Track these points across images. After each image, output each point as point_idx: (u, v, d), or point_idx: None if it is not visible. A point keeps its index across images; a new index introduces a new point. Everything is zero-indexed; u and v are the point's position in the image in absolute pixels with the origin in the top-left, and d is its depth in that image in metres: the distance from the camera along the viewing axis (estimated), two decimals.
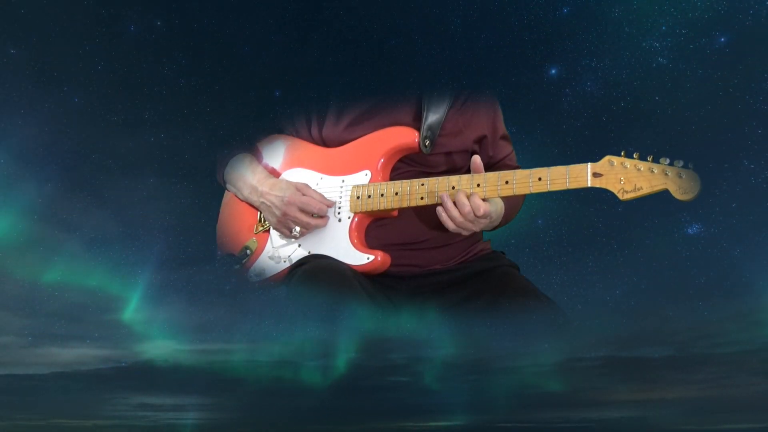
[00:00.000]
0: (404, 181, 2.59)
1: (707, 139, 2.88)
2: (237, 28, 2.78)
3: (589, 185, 2.37)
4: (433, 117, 2.62)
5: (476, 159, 2.52)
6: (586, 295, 3.03)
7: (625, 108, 3.04)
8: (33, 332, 2.75)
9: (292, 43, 2.78)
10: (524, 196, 2.73)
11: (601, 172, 2.36)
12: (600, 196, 2.39)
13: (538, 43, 3.01)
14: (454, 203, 2.49)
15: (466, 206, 2.48)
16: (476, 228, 2.54)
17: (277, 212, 2.67)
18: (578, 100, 3.16)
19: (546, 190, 2.41)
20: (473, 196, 2.48)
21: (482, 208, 2.47)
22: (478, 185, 2.49)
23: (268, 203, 2.69)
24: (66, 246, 2.79)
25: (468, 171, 2.55)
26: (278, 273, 2.72)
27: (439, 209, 2.52)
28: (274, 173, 2.78)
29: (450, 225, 2.52)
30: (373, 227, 2.69)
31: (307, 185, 2.68)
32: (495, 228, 2.69)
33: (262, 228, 2.77)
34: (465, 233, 2.55)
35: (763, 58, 2.78)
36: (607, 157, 2.36)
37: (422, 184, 2.56)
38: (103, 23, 2.76)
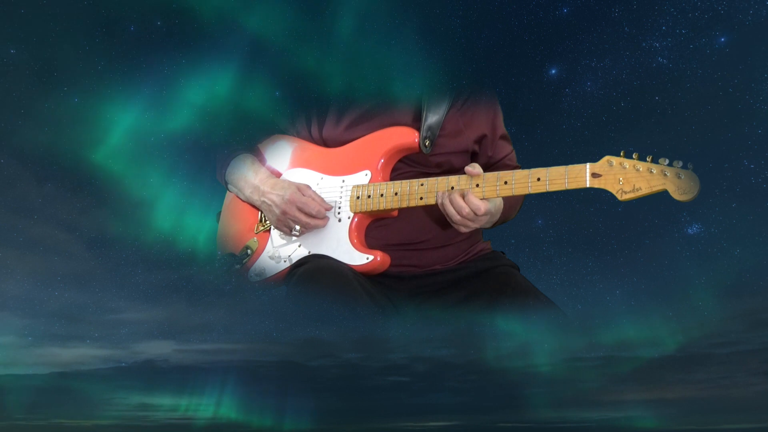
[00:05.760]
0: (404, 181, 2.59)
1: (707, 139, 2.88)
2: (237, 29, 2.78)
3: (588, 186, 2.36)
4: (432, 117, 2.62)
5: (468, 169, 2.51)
6: (586, 295, 3.04)
7: (625, 108, 3.05)
8: (33, 332, 2.76)
9: (292, 44, 2.78)
10: (524, 196, 2.73)
11: (600, 173, 2.35)
12: (600, 196, 2.39)
13: (538, 43, 3.02)
14: (452, 206, 2.49)
15: (465, 209, 2.48)
16: (477, 224, 2.54)
17: (277, 211, 2.67)
18: (578, 100, 3.17)
19: (545, 190, 2.41)
20: (469, 196, 2.47)
21: (482, 207, 2.47)
22: (477, 185, 2.49)
23: (269, 202, 2.69)
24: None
25: None
26: (278, 273, 2.72)
27: (439, 204, 2.53)
28: (276, 173, 2.78)
29: (449, 220, 2.52)
30: (374, 227, 2.69)
31: (308, 186, 2.68)
32: (493, 226, 2.69)
33: (262, 228, 2.77)
34: (465, 230, 2.55)
35: (763, 58, 2.78)
36: (606, 158, 2.35)
37: (422, 184, 2.56)
38: (103, 23, 2.77)
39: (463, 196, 2.48)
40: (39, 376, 2.75)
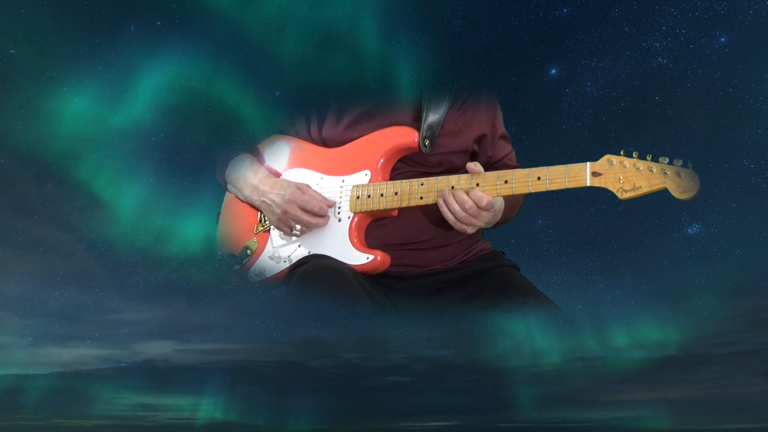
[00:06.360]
0: (404, 181, 2.59)
1: (707, 139, 2.88)
2: (237, 29, 2.78)
3: (588, 185, 2.36)
4: (432, 117, 2.63)
5: (470, 166, 2.52)
6: (586, 295, 3.04)
7: (625, 108, 3.05)
8: (33, 332, 2.76)
9: (293, 44, 2.78)
10: (524, 196, 2.73)
11: (600, 172, 2.35)
12: (600, 196, 2.39)
13: (538, 43, 3.02)
14: (455, 200, 2.49)
15: (468, 202, 2.48)
16: (480, 222, 2.54)
17: (278, 211, 2.67)
18: (578, 100, 3.17)
19: (545, 189, 2.41)
20: (473, 190, 2.48)
21: (485, 199, 2.47)
22: (477, 185, 2.49)
23: (269, 202, 2.69)
24: None
25: (467, 171, 2.55)
26: (278, 273, 2.72)
27: (440, 202, 2.53)
28: (275, 174, 2.78)
29: (451, 219, 2.52)
30: (374, 227, 2.69)
31: (307, 185, 2.69)
32: (495, 226, 2.69)
33: (262, 228, 2.77)
34: (470, 230, 2.55)
35: (763, 58, 2.79)
36: (606, 156, 2.35)
37: (422, 184, 2.57)
38: (103, 23, 2.77)
39: (466, 192, 2.48)
40: (39, 376, 2.75)
